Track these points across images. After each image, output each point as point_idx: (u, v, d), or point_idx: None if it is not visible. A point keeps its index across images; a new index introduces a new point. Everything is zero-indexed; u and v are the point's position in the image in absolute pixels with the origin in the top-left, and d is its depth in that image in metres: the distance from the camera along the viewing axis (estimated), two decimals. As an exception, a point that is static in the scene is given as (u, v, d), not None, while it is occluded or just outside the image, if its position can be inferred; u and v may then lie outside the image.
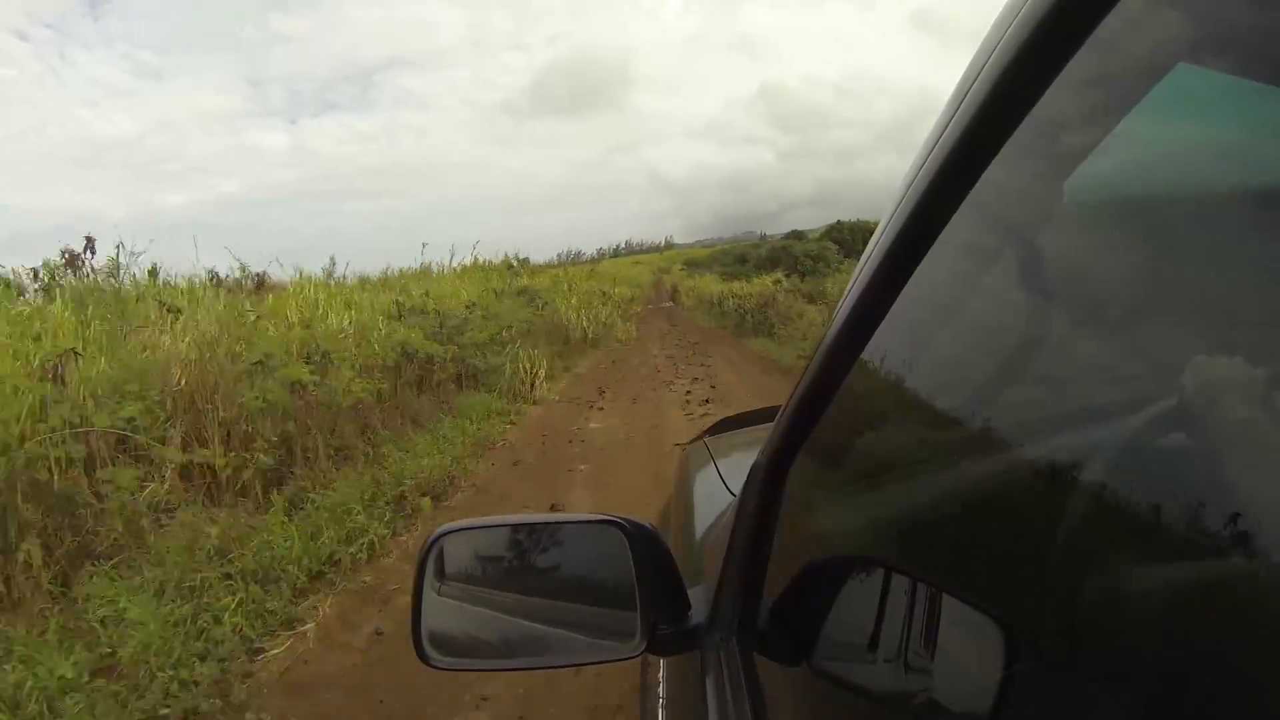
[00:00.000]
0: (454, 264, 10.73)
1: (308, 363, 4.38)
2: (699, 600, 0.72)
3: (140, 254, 5.33)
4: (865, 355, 0.49)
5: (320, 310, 6.15)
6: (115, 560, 2.68)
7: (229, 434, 3.68)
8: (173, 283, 5.70)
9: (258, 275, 6.97)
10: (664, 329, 15.20)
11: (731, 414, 1.82)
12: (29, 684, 1.98)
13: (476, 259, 11.19)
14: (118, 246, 5.17)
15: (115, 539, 2.77)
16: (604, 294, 14.50)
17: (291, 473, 3.79)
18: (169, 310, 4.55)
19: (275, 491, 3.48)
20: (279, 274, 7.41)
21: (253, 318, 5.19)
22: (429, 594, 0.73)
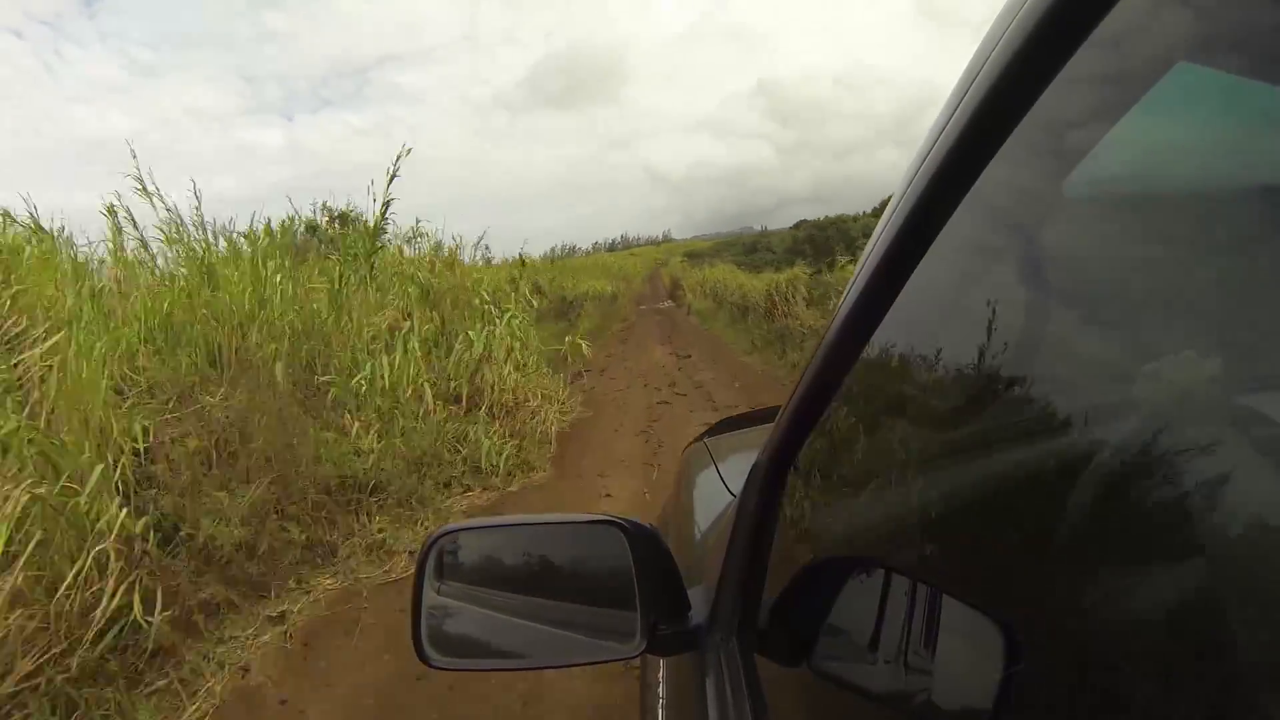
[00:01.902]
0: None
1: None
2: (699, 600, 0.72)
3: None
4: (866, 354, 0.49)
5: None
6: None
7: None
8: None
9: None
10: (661, 372, 7.29)
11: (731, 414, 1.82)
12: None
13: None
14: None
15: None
16: (516, 297, 5.93)
17: None
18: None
19: None
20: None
21: None
22: (429, 594, 0.73)
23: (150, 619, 2.19)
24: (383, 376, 4.02)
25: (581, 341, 6.44)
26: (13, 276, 3.09)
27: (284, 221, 5.24)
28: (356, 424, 3.65)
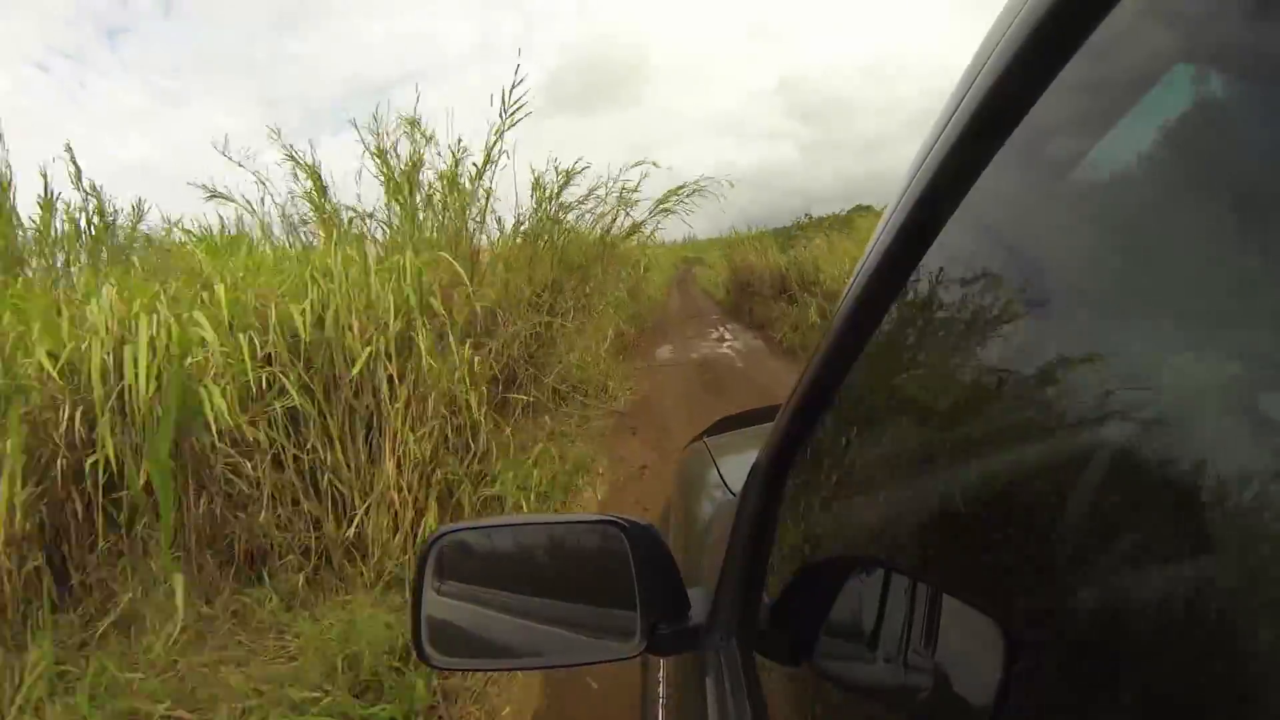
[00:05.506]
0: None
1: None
2: (699, 600, 0.72)
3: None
4: (866, 354, 0.49)
5: None
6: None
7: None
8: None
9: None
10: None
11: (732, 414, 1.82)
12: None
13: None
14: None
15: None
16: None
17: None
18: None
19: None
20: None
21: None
22: (429, 594, 0.73)
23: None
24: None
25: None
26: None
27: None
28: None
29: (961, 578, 0.37)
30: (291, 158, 4.97)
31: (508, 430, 3.68)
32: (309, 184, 4.98)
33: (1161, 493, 0.25)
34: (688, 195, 6.49)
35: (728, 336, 9.09)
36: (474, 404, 3.34)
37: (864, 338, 0.49)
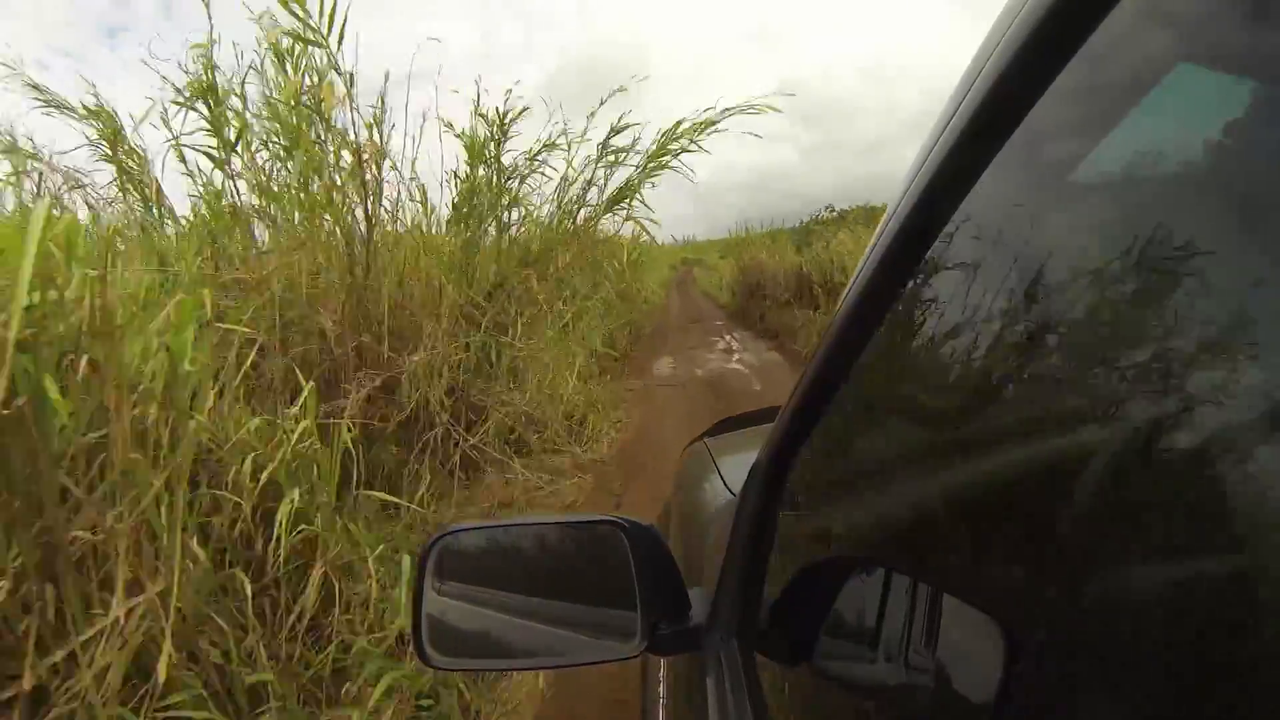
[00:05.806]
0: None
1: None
2: (699, 600, 0.73)
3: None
4: (866, 354, 0.49)
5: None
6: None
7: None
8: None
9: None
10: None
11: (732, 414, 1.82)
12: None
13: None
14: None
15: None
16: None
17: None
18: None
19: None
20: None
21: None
22: (429, 594, 0.73)
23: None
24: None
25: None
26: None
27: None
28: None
29: (961, 577, 0.38)
30: (39, 95, 3.43)
31: (391, 534, 2.00)
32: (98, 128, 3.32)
33: (1161, 493, 0.25)
34: (701, 134, 4.36)
35: (736, 347, 7.91)
36: (282, 518, 1.73)
37: (864, 338, 0.49)
